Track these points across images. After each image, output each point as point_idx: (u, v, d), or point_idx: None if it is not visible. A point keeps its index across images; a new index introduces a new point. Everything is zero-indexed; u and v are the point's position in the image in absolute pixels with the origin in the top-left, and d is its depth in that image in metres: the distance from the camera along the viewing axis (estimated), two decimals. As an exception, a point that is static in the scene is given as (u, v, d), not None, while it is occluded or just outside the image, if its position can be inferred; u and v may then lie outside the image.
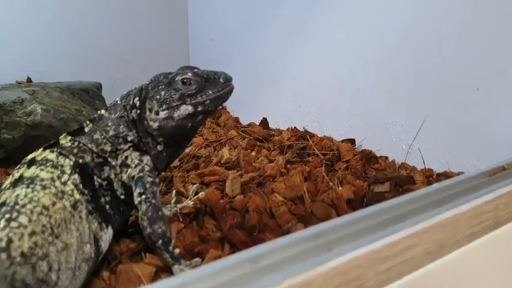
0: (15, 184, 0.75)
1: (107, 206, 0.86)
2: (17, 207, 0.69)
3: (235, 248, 0.89)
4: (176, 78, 0.88)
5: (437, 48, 1.22)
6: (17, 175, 0.78)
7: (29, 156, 0.83)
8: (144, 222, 0.80)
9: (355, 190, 1.06)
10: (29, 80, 1.74)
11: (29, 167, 0.79)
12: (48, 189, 0.74)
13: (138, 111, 0.89)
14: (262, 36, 1.83)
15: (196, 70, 0.91)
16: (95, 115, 0.92)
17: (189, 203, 1.02)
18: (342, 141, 1.47)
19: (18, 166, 0.82)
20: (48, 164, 0.80)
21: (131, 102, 0.90)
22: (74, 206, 0.77)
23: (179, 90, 0.87)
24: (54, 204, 0.73)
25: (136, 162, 0.89)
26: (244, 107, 1.91)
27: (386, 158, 1.36)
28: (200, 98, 0.88)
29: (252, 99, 1.88)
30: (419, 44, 1.26)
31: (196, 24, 2.23)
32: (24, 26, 1.80)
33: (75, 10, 1.91)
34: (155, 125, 0.88)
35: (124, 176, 0.88)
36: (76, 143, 0.86)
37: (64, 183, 0.78)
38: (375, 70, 1.41)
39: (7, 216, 0.67)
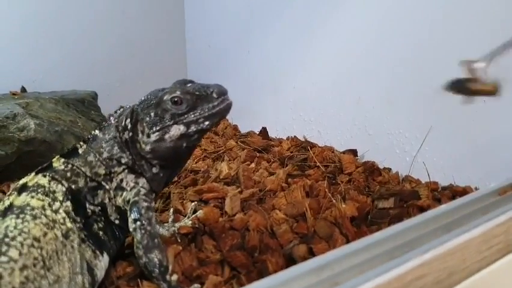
0: (5, 214, 0.71)
1: (101, 233, 0.83)
2: (7, 239, 0.66)
3: (235, 271, 0.86)
4: (165, 98, 0.82)
5: (442, 58, 1.19)
6: (7, 203, 0.74)
7: (21, 181, 0.80)
8: (139, 251, 0.77)
9: (359, 207, 1.03)
10: (23, 90, 1.71)
11: (19, 194, 0.76)
12: (39, 219, 0.71)
13: (130, 133, 0.85)
14: (261, 43, 1.80)
15: (188, 86, 0.85)
16: (89, 135, 0.89)
17: (187, 222, 0.99)
18: (344, 152, 1.44)
19: (9, 192, 0.79)
20: (39, 191, 0.77)
21: (123, 124, 0.86)
22: (66, 235, 0.74)
23: (169, 110, 0.82)
24: (45, 235, 0.70)
25: (132, 185, 0.85)
26: (243, 114, 1.88)
27: (390, 170, 1.33)
28: (193, 116, 0.83)
29: (251, 107, 1.85)
30: (423, 53, 1.23)
31: (193, 31, 2.19)
32: (19, 34, 1.76)
33: (70, 18, 1.87)
34: (147, 148, 0.84)
35: (119, 200, 0.85)
36: (70, 166, 0.83)
37: (56, 211, 0.75)
38: (377, 79, 1.38)
39: None
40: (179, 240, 0.95)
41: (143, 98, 0.87)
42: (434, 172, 1.19)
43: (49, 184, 0.79)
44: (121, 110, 0.90)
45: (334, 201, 1.03)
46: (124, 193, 0.84)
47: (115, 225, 0.84)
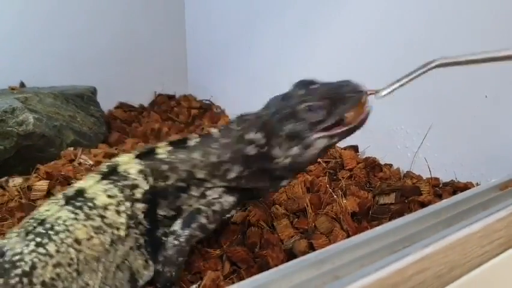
0: (68, 201, 0.70)
1: (164, 239, 0.77)
2: (51, 232, 0.65)
3: (235, 266, 0.86)
4: (300, 108, 0.76)
5: (444, 53, 1.18)
6: (83, 185, 0.72)
7: (120, 159, 0.77)
8: (160, 257, 0.75)
9: (360, 202, 1.03)
10: (22, 85, 1.70)
11: (104, 178, 0.74)
12: (91, 221, 0.69)
13: (263, 148, 0.78)
14: (262, 38, 1.80)
15: (315, 90, 0.79)
16: (205, 131, 0.84)
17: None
18: (345, 148, 1.43)
19: (107, 165, 0.76)
20: (119, 184, 0.74)
21: (251, 136, 0.80)
22: (114, 242, 0.71)
23: (307, 119, 0.76)
24: (90, 238, 0.68)
25: (215, 196, 0.80)
26: (243, 110, 1.88)
27: (391, 166, 1.32)
28: (332, 125, 0.76)
29: (251, 103, 1.83)
30: (425, 49, 1.22)
31: (193, 27, 2.18)
32: (18, 30, 1.76)
33: (70, 13, 1.87)
34: (286, 161, 0.78)
35: (196, 205, 0.80)
36: (171, 158, 0.78)
37: (118, 213, 0.72)
38: (378, 74, 1.37)
39: (38, 240, 0.64)
40: None
41: (273, 110, 0.80)
42: (436, 168, 1.19)
43: (137, 176, 0.75)
44: (243, 116, 0.85)
45: (335, 196, 1.03)
46: (202, 200, 0.80)
47: None
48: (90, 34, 1.93)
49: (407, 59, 1.25)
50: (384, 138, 1.34)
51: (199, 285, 0.79)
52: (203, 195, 0.80)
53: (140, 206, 0.74)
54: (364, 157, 1.38)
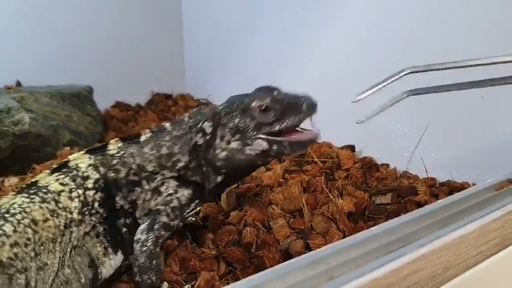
0: (21, 191, 0.72)
1: (124, 230, 0.79)
2: (6, 215, 0.67)
3: (231, 267, 0.86)
4: (253, 104, 0.78)
5: (441, 53, 1.18)
6: (35, 179, 0.75)
7: (70, 157, 0.79)
8: (135, 268, 0.74)
9: (356, 202, 1.03)
10: (18, 84, 1.69)
11: (52, 172, 0.76)
12: (46, 204, 0.71)
13: (208, 137, 0.81)
14: (260, 38, 1.79)
15: (275, 94, 0.80)
16: (159, 126, 0.86)
17: (189, 219, 0.99)
18: (342, 147, 1.43)
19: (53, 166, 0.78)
20: (70, 174, 0.76)
21: (199, 126, 0.82)
22: (68, 225, 0.72)
23: (256, 118, 0.78)
24: (46, 220, 0.70)
25: (170, 191, 0.81)
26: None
27: (387, 165, 1.32)
28: (278, 133, 0.78)
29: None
30: (422, 48, 1.22)
31: (191, 25, 2.18)
32: (14, 29, 1.75)
33: (67, 12, 1.86)
34: (222, 154, 0.79)
35: (152, 203, 0.80)
36: (121, 153, 0.80)
37: (71, 199, 0.74)
38: (376, 74, 1.37)
39: None
40: (187, 233, 0.94)
41: (226, 102, 0.83)
42: (432, 168, 1.19)
43: (86, 169, 0.77)
44: (198, 109, 0.86)
45: (331, 196, 1.03)
46: (159, 198, 0.81)
47: None
48: (87, 33, 1.93)
49: (406, 58, 1.26)
50: (381, 137, 1.34)
51: (192, 286, 0.79)
52: (157, 192, 0.81)
53: (92, 193, 0.76)
54: (361, 157, 1.38)
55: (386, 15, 1.32)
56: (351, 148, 1.42)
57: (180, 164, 0.82)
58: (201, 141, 0.81)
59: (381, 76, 1.34)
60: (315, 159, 1.33)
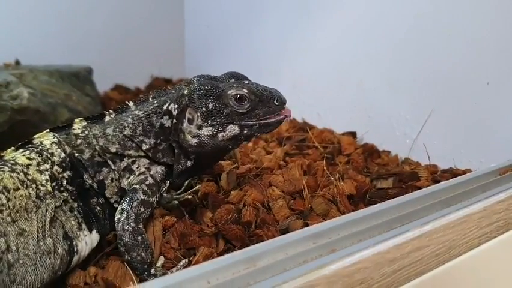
0: None
1: (98, 209, 0.78)
2: None
3: (229, 244, 0.85)
4: (229, 92, 0.78)
5: (445, 40, 1.16)
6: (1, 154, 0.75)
7: (35, 136, 0.79)
8: (121, 247, 0.73)
9: (357, 186, 1.01)
10: (17, 63, 1.67)
11: (16, 149, 0.76)
12: (16, 174, 0.70)
13: (174, 120, 0.80)
14: (261, 23, 1.77)
15: (248, 84, 0.81)
16: (122, 105, 0.84)
17: (186, 196, 0.97)
18: (343, 134, 1.42)
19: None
20: (35, 150, 0.75)
21: (165, 108, 0.81)
22: (42, 197, 0.71)
23: (230, 106, 0.78)
24: (17, 189, 0.69)
25: (142, 170, 0.81)
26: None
27: (389, 152, 1.31)
28: (249, 120, 0.79)
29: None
30: (426, 35, 1.21)
31: (192, 9, 2.15)
32: (14, 6, 1.72)
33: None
34: (194, 140, 0.79)
35: (125, 182, 0.80)
36: (86, 133, 0.79)
37: (41, 172, 0.73)
38: (379, 61, 1.36)
39: None
40: (182, 210, 0.92)
41: (197, 85, 0.80)
42: (434, 155, 1.18)
43: (51, 146, 0.77)
44: (164, 89, 0.85)
45: (332, 179, 1.01)
46: (132, 176, 0.80)
47: (114, 208, 0.79)
48: (87, 15, 1.90)
49: (408, 42, 1.24)
50: (383, 124, 1.33)
51: (189, 260, 0.78)
52: (129, 170, 0.80)
53: (60, 170, 0.75)
54: (362, 143, 1.36)
55: (390, 4, 1.30)
56: (353, 134, 1.41)
57: (145, 146, 0.81)
58: (168, 123, 0.81)
59: (382, 61, 1.32)
60: (316, 144, 1.31)
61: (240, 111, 0.79)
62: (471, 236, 0.71)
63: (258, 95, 0.79)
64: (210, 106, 0.78)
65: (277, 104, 0.81)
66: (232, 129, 0.79)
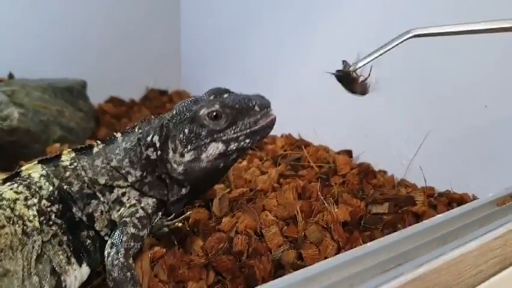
0: None
1: (88, 242, 0.76)
2: None
3: (220, 276, 0.83)
4: (201, 112, 0.75)
5: (444, 60, 1.15)
6: None
7: (23, 168, 0.76)
8: (110, 282, 0.71)
9: (351, 211, 1.00)
10: (10, 76, 1.65)
11: (4, 182, 0.74)
12: (1, 210, 0.68)
13: (158, 152, 0.78)
14: (258, 36, 1.75)
15: (225, 98, 0.78)
16: (111, 136, 0.83)
17: (177, 224, 0.95)
18: (339, 152, 1.40)
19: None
20: (23, 183, 0.73)
21: (148, 139, 0.79)
22: (28, 234, 0.69)
23: (206, 126, 0.75)
24: (2, 227, 0.66)
25: (132, 202, 0.79)
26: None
27: (385, 172, 1.29)
28: (232, 133, 0.76)
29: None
30: (424, 54, 1.19)
31: (188, 21, 2.13)
32: (8, 19, 1.70)
33: (62, 5, 1.81)
34: (180, 168, 0.77)
35: (115, 215, 0.78)
36: (74, 165, 0.78)
37: (28, 207, 0.71)
38: (376, 78, 1.34)
39: None
40: (173, 238, 0.90)
41: (174, 112, 0.79)
42: (431, 177, 1.16)
43: (39, 179, 0.75)
44: (147, 120, 0.83)
45: (326, 204, 0.99)
46: (122, 209, 0.78)
47: (105, 241, 0.77)
48: (82, 26, 1.88)
49: (408, 65, 1.23)
50: (380, 143, 1.31)
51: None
52: (119, 203, 0.78)
53: (48, 204, 0.73)
54: (358, 162, 1.34)
55: (388, 16, 1.29)
56: (348, 153, 1.39)
57: (131, 178, 0.79)
58: (153, 155, 0.79)
59: (382, 82, 1.31)
60: (311, 164, 1.30)
61: (218, 128, 0.76)
62: (466, 275, 0.69)
63: (235, 107, 0.76)
64: (187, 131, 0.76)
65: (258, 110, 0.77)
66: (216, 148, 0.76)
